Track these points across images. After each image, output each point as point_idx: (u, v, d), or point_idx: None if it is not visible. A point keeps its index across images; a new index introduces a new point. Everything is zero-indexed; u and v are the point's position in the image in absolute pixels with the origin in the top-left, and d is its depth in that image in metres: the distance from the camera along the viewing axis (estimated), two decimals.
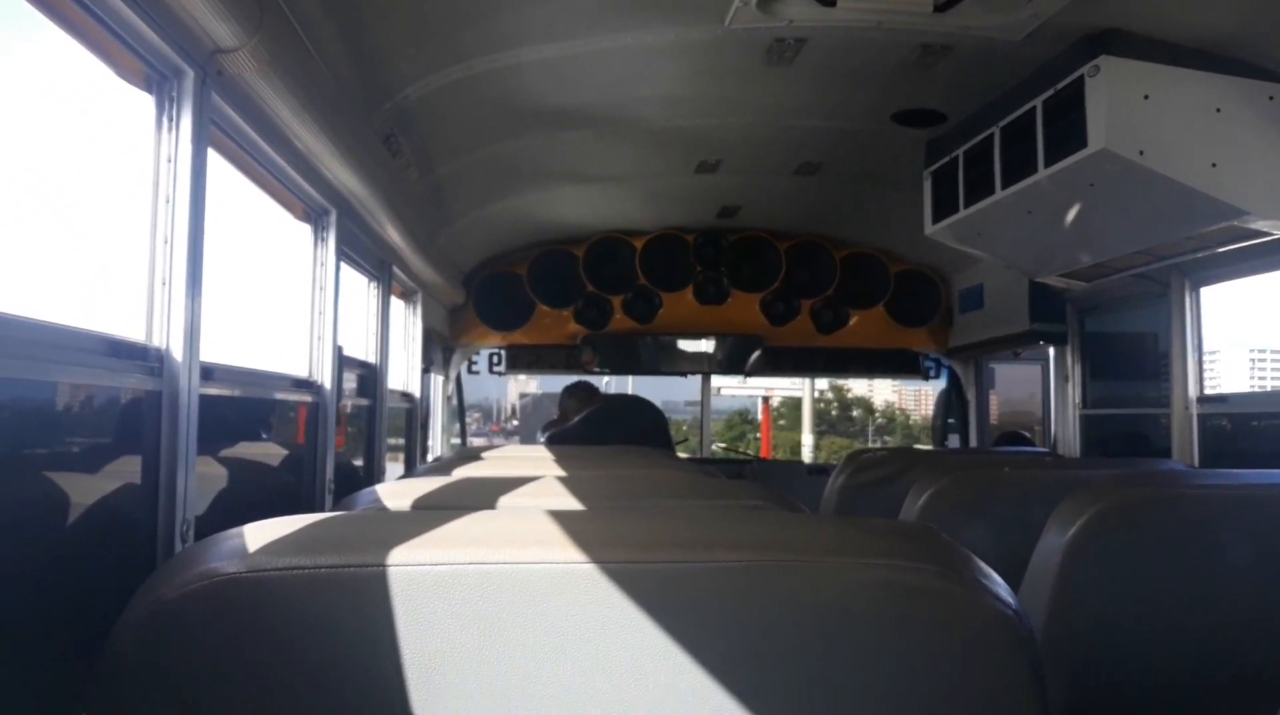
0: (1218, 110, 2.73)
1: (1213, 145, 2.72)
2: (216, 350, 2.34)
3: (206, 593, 0.94)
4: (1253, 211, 2.76)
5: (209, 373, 2.21)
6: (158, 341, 1.96)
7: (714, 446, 7.32)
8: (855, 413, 24.01)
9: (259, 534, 1.01)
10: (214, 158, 2.35)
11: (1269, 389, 3.77)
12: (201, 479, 2.19)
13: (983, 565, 1.02)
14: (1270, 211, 2.77)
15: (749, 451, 16.95)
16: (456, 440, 6.62)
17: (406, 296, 4.98)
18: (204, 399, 2.13)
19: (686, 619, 0.96)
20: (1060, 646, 1.81)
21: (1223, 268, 3.71)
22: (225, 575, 0.95)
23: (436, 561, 0.96)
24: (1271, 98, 2.73)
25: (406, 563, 0.95)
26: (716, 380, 6.94)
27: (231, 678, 0.93)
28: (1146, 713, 1.82)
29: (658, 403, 5.26)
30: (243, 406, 2.84)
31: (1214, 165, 2.72)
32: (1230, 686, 1.77)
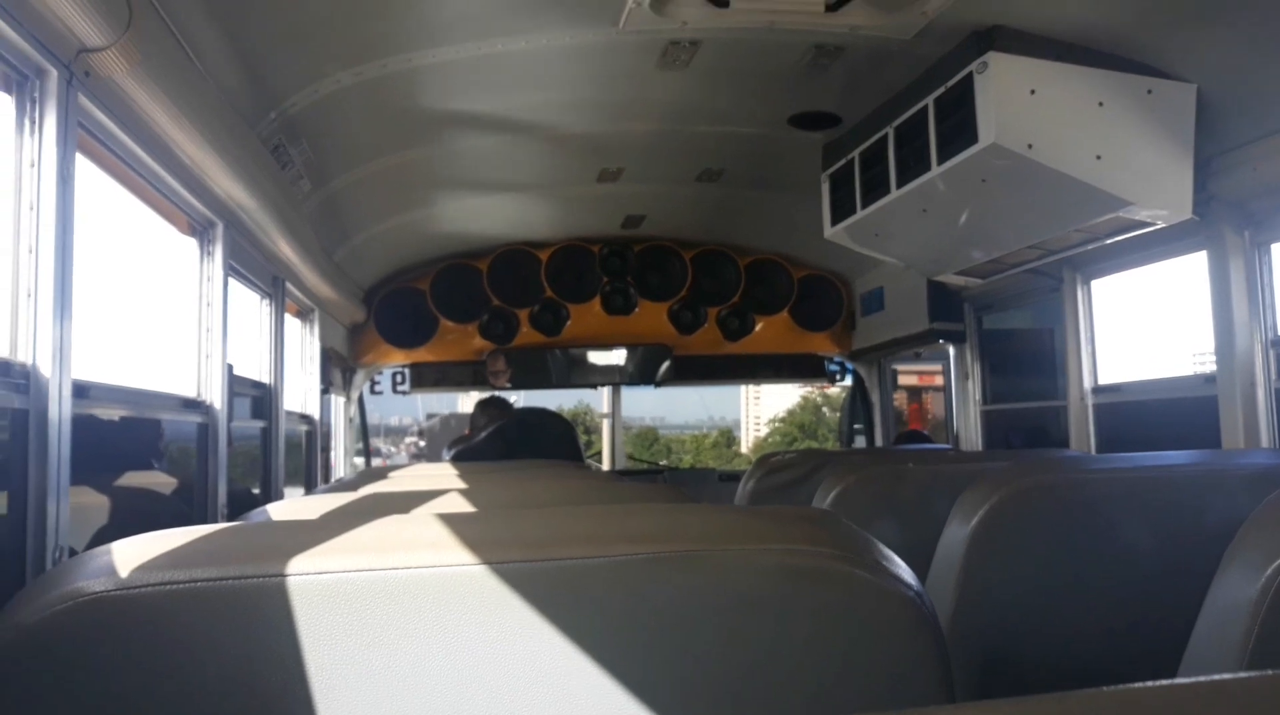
0: (1100, 104, 2.81)
1: (1096, 138, 2.80)
2: (97, 369, 2.22)
3: (71, 614, 0.87)
4: (1136, 202, 2.85)
5: (83, 391, 2.08)
6: (23, 357, 1.84)
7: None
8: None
9: (131, 550, 0.95)
10: (89, 166, 2.24)
11: (1158, 377, 3.90)
12: (84, 506, 2.07)
13: (883, 548, 1.01)
14: (1151, 201, 2.86)
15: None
16: (360, 460, 6.45)
17: (303, 315, 4.84)
18: (83, 420, 2.01)
19: (586, 616, 0.92)
20: (968, 633, 1.83)
21: (1111, 260, 3.83)
22: (91, 594, 0.88)
23: (322, 570, 0.91)
24: (1150, 91, 2.82)
25: (290, 573, 0.90)
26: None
27: (102, 705, 0.87)
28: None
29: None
30: (127, 428, 2.70)
31: (1098, 157, 2.79)
32: (1133, 662, 1.80)
